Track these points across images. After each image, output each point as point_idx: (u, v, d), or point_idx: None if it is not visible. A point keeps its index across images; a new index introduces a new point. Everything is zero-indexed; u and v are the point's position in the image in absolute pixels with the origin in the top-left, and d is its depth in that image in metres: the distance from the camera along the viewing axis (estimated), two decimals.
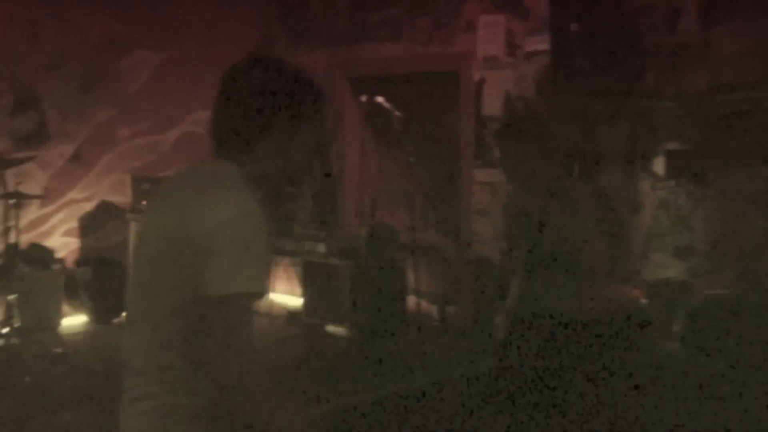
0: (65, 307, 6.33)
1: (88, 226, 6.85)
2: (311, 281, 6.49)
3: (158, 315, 1.69)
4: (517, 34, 6.17)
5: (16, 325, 5.20)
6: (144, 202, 6.49)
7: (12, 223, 5.28)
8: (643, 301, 5.03)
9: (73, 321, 6.40)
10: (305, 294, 6.56)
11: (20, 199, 5.32)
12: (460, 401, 4.39)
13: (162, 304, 1.67)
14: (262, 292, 1.64)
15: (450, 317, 6.30)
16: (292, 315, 6.67)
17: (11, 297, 5.22)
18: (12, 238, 5.25)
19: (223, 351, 1.57)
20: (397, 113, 5.89)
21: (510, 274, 3.29)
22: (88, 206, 6.88)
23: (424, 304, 6.01)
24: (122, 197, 6.93)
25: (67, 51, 6.64)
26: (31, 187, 6.15)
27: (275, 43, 7.83)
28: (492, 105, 6.29)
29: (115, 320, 6.48)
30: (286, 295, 7.31)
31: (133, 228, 6.38)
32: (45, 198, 6.43)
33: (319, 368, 5.33)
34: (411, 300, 6.01)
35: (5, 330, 5.05)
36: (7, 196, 5.21)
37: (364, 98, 6.01)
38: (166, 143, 7.32)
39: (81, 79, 6.77)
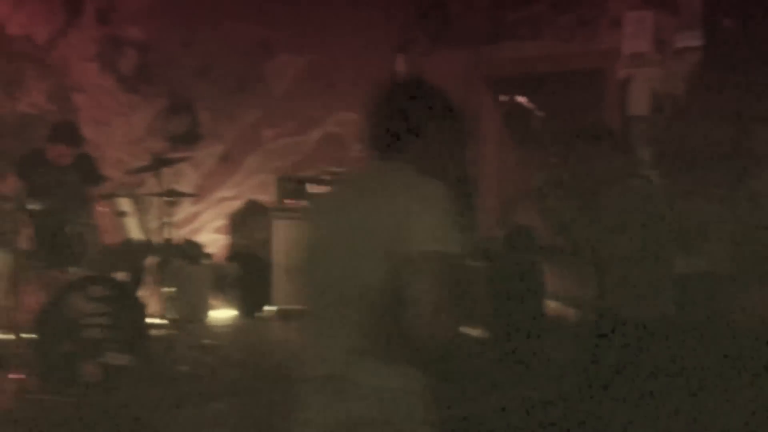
0: (214, 300, 6.64)
1: (235, 223, 7.17)
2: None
3: (354, 299, 1.75)
4: (665, 30, 5.93)
5: (172, 316, 5.50)
6: (289, 201, 6.70)
7: (167, 219, 5.57)
8: None
9: (221, 314, 6.71)
10: None
11: (175, 196, 5.60)
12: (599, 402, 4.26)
13: (358, 287, 1.74)
14: (458, 253, 1.76)
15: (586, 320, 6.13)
16: None
17: (168, 289, 5.52)
18: (167, 234, 5.54)
19: (429, 312, 1.64)
20: (538, 113, 5.79)
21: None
22: (236, 204, 7.19)
23: (562, 307, 5.89)
24: (267, 196, 7.18)
25: (218, 56, 6.95)
26: (184, 186, 6.50)
27: (414, 45, 7.89)
28: (638, 104, 6.07)
29: (259, 314, 6.74)
30: None
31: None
32: (197, 196, 6.76)
33: (454, 370, 5.31)
34: (549, 303, 5.90)
35: (162, 321, 5.34)
36: (164, 194, 5.50)
37: (504, 98, 5.96)
38: (309, 144, 7.53)
39: (230, 82, 7.07)
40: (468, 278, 6.21)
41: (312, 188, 6.80)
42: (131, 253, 5.15)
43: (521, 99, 5.81)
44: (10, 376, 4.33)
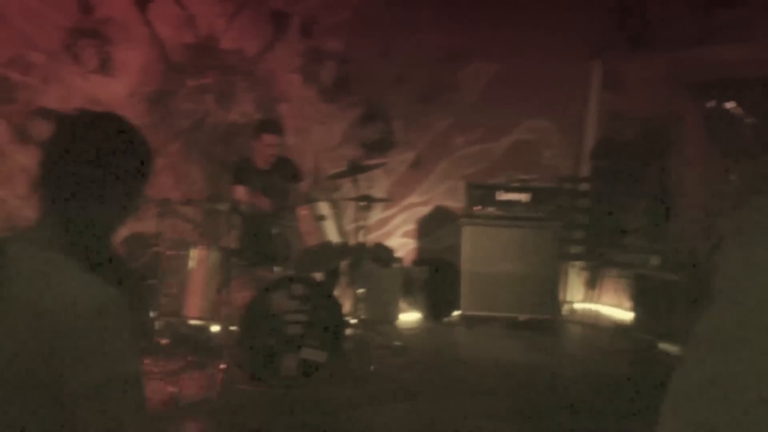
0: (403, 303, 6.79)
1: (424, 228, 7.30)
2: (643, 295, 6.22)
3: None
4: None
5: (363, 317, 5.69)
6: (477, 208, 6.72)
7: (361, 223, 5.77)
8: None
9: (409, 317, 6.85)
10: (636, 308, 6.30)
11: (369, 202, 5.79)
12: None
13: None
14: None
15: None
16: (620, 328, 6.46)
17: (360, 291, 5.72)
18: (361, 238, 5.73)
19: None
20: (749, 120, 5.43)
21: None
22: (425, 210, 7.32)
23: None
24: (456, 202, 7.25)
25: (412, 65, 7.12)
26: (377, 191, 6.72)
27: (611, 50, 7.66)
28: None
29: (446, 318, 6.82)
30: (612, 308, 7.11)
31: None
32: (390, 201, 6.96)
33: (651, 386, 5.09)
34: None
35: (354, 321, 5.54)
36: (360, 199, 5.70)
37: (710, 104, 5.64)
38: (499, 151, 7.52)
39: (423, 90, 7.21)
40: (665, 291, 5.94)
41: (501, 195, 6.79)
42: (329, 254, 5.36)
43: (728, 104, 5.49)
44: (218, 366, 4.65)
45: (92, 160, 1.58)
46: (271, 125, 5.72)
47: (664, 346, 5.89)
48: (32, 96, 5.70)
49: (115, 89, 6.00)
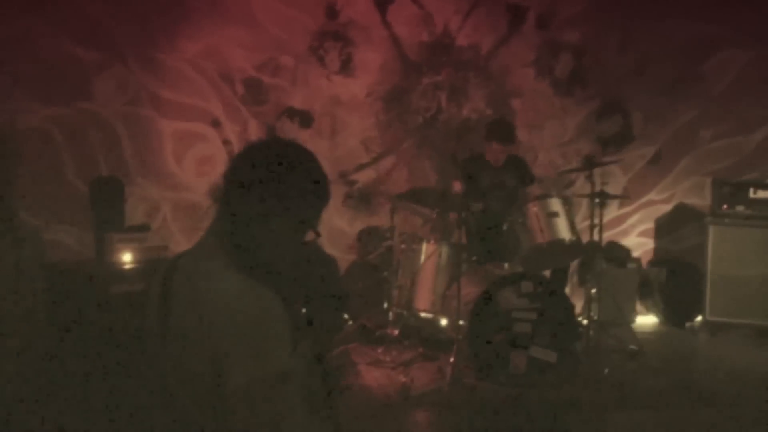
0: (638, 306, 6.48)
1: (663, 227, 6.90)
2: None
3: None
4: None
5: (595, 317, 5.50)
6: (726, 207, 6.24)
7: (595, 221, 5.57)
8: None
9: (645, 320, 6.51)
10: None
11: (604, 198, 5.57)
12: None
13: None
14: None
15: None
16: None
17: (592, 291, 5.53)
18: (594, 236, 5.54)
19: None
20: None
21: None
22: (665, 208, 6.92)
23: None
24: (700, 200, 6.78)
25: (654, 55, 6.75)
26: (612, 188, 6.45)
27: None
28: None
29: (687, 324, 6.40)
30: None
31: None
32: (628, 198, 6.66)
33: None
34: None
35: (585, 321, 5.37)
36: (594, 195, 5.51)
37: None
38: (750, 145, 6.92)
39: (664, 81, 6.81)
40: None
41: (754, 193, 6.24)
42: (559, 252, 5.25)
43: None
44: (446, 359, 4.73)
45: (265, 183, 1.71)
46: (499, 132, 5.57)
47: None
48: (281, 96, 6.15)
49: (355, 89, 6.30)
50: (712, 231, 6.22)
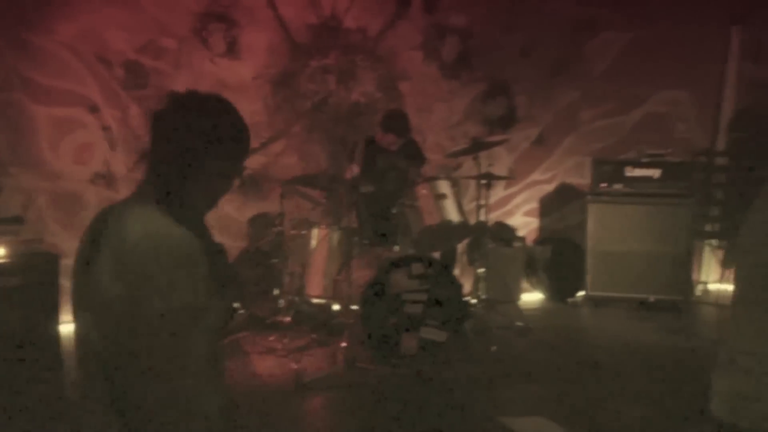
0: (525, 283, 6.67)
1: (547, 206, 7.12)
2: None
3: None
4: None
5: (483, 296, 5.62)
6: (605, 185, 6.48)
7: (482, 201, 5.68)
8: None
9: (531, 297, 6.72)
10: None
11: (490, 179, 5.69)
12: None
13: None
14: None
15: None
16: None
17: (480, 270, 5.65)
18: (482, 216, 5.65)
19: None
20: None
21: None
22: (549, 188, 7.14)
23: None
24: (582, 179, 7.02)
25: (538, 38, 6.91)
26: (498, 169, 6.61)
27: (753, 14, 7.16)
28: None
29: (569, 300, 6.65)
30: None
31: None
32: (512, 179, 6.83)
33: None
34: None
35: (474, 301, 5.49)
36: (480, 176, 5.62)
37: None
38: (628, 125, 7.22)
39: (548, 64, 7.00)
40: None
41: (630, 171, 6.51)
42: (448, 234, 5.32)
43: None
44: (339, 344, 4.74)
45: (194, 135, 1.81)
46: (393, 125, 5.61)
47: None
48: (163, 81, 5.95)
49: (242, 72, 6.17)
50: (591, 209, 6.47)
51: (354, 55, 6.51)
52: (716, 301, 6.59)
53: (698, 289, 6.91)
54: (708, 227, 7.06)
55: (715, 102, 7.38)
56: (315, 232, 5.32)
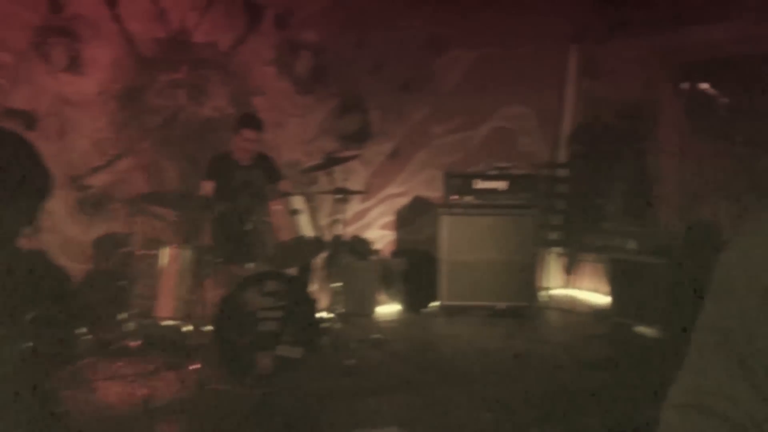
0: (382, 296, 6.78)
1: (402, 219, 7.27)
2: (619, 279, 6.24)
3: None
4: None
5: (340, 311, 5.67)
6: (456, 197, 6.69)
7: (338, 216, 5.75)
8: None
9: (388, 309, 6.83)
10: (613, 292, 6.32)
11: (345, 194, 5.76)
12: None
13: None
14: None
15: None
16: (598, 313, 6.48)
17: (336, 285, 5.70)
18: (337, 231, 5.71)
19: None
20: (723, 100, 5.42)
21: None
22: (403, 201, 7.29)
23: None
24: (434, 192, 7.22)
25: (389, 55, 7.06)
26: (355, 183, 6.69)
27: (590, 34, 7.63)
28: None
29: (425, 309, 6.80)
30: (590, 292, 7.12)
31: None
32: (366, 193, 6.92)
33: (628, 369, 5.12)
34: None
35: (330, 315, 5.52)
36: (335, 191, 5.68)
37: (685, 85, 5.63)
38: (476, 139, 7.49)
39: (400, 80, 7.17)
40: (642, 274, 5.94)
41: (479, 184, 6.77)
42: (303, 249, 5.33)
43: (705, 86, 5.48)
44: (191, 367, 4.63)
45: None
46: (251, 120, 5.63)
47: (641, 329, 5.91)
48: (1, 97, 5.63)
49: (85, 87, 5.94)
50: (443, 221, 6.66)
51: (205, 69, 6.41)
52: (560, 306, 6.95)
53: (543, 295, 7.26)
54: (551, 236, 7.44)
55: (556, 117, 7.80)
56: (165, 252, 5.18)
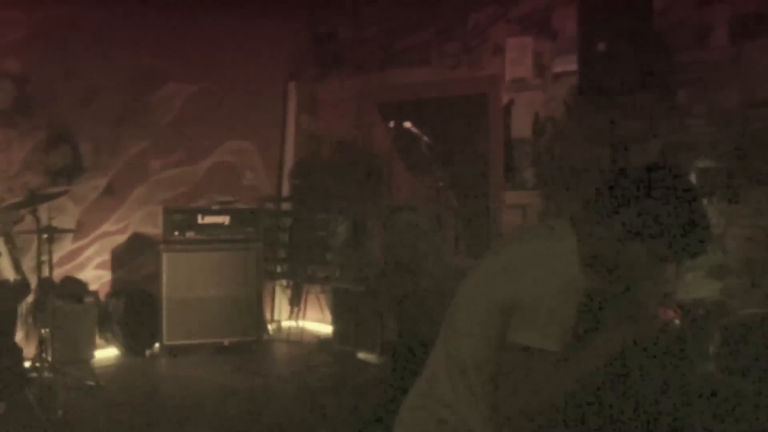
0: (98, 340, 6.37)
1: (120, 258, 6.93)
2: (339, 308, 6.48)
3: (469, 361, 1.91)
4: (545, 56, 6.13)
5: (50, 359, 5.24)
6: (177, 233, 6.53)
7: (45, 257, 5.35)
8: (677, 322, 4.86)
9: (106, 353, 6.44)
10: (334, 321, 6.55)
11: (53, 233, 5.39)
12: None
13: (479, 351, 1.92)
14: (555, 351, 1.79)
15: None
16: (323, 342, 6.66)
17: (44, 331, 5.28)
18: (45, 273, 5.31)
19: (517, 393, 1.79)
20: (425, 138, 5.88)
21: None
22: (121, 239, 6.96)
23: None
24: (155, 229, 6.97)
25: (100, 86, 6.75)
26: (65, 221, 6.27)
27: (306, 72, 7.90)
28: (521, 127, 6.23)
29: (147, 352, 6.52)
30: (317, 323, 7.30)
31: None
32: (78, 231, 6.52)
33: (350, 394, 5.30)
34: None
35: (37, 364, 5.09)
36: (42, 231, 5.29)
37: (391, 123, 6.02)
38: (198, 173, 7.39)
39: (114, 112, 6.88)
40: (358, 303, 6.21)
41: (202, 219, 6.67)
42: (5, 294, 4.90)
43: (408, 124, 5.92)
44: None
45: None
46: None
47: (362, 354, 6.15)
48: None
49: None
50: (165, 258, 6.46)
51: None
52: (288, 338, 7.03)
53: (272, 328, 7.30)
54: (277, 268, 7.52)
55: (278, 151, 7.95)
56: None
